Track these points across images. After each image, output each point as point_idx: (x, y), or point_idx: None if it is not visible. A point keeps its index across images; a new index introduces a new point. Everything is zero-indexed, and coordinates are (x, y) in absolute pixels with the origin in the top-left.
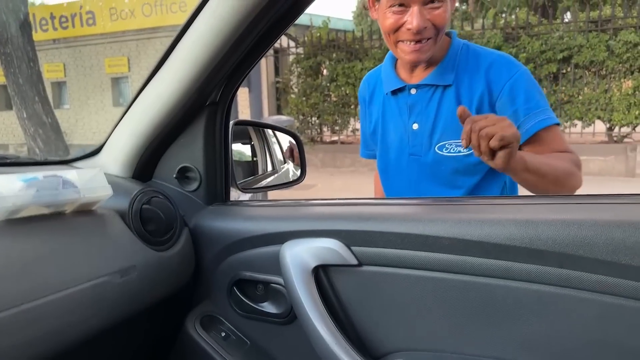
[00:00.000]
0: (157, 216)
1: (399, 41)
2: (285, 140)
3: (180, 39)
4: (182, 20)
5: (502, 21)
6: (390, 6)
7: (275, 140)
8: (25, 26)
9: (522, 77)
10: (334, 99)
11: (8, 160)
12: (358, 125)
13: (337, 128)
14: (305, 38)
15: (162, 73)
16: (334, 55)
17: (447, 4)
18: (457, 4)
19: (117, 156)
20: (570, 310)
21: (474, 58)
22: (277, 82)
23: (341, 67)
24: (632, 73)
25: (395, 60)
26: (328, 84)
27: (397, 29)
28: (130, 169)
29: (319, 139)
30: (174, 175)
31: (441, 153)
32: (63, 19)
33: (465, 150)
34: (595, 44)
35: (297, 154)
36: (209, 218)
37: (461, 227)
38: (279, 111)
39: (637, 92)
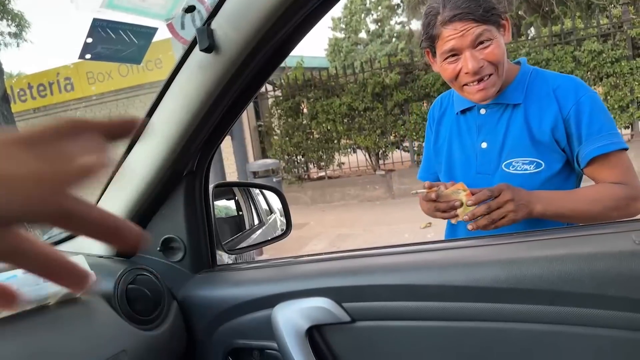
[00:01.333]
0: (144, 294)
1: (463, 85)
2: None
3: (151, 115)
4: (159, 77)
5: None
6: (445, 59)
7: (259, 192)
8: (3, 99)
9: (587, 100)
10: (317, 135)
11: None
12: (343, 159)
13: (322, 164)
14: (282, 80)
15: (136, 150)
16: (312, 93)
17: (498, 39)
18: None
19: None
20: (567, 346)
21: (542, 80)
22: (259, 125)
23: (320, 104)
24: (601, 80)
25: None
26: (309, 122)
27: (457, 76)
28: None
29: (306, 177)
30: (158, 248)
31: (508, 171)
32: (41, 88)
33: (532, 168)
34: (562, 56)
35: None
36: (197, 287)
37: (447, 273)
38: (263, 154)
39: (608, 97)
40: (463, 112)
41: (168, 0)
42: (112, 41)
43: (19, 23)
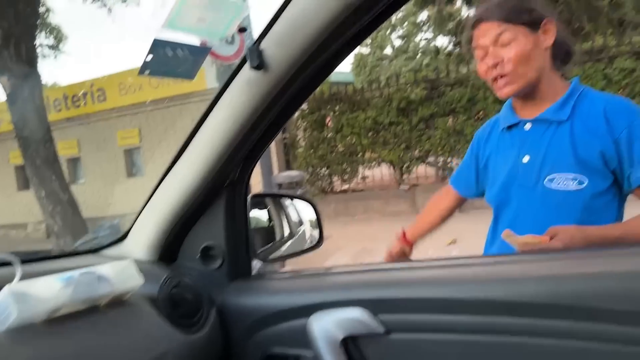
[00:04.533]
0: (186, 299)
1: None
2: (300, 203)
3: (199, 127)
4: (189, 89)
5: None
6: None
7: (290, 203)
8: (41, 109)
9: None
10: (341, 149)
11: (40, 256)
12: (367, 172)
13: (346, 177)
14: None
15: (182, 159)
16: (337, 107)
17: (521, 39)
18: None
19: (143, 241)
20: None
21: (592, 100)
22: (285, 138)
23: (345, 118)
24: (634, 98)
25: (512, 100)
26: (334, 136)
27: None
28: (156, 252)
29: (329, 190)
30: (198, 255)
31: (549, 187)
32: (75, 98)
33: (574, 184)
34: (592, 73)
35: (315, 219)
36: (234, 295)
37: (485, 288)
38: (288, 166)
39: None
40: (509, 128)
41: (224, 21)
42: (169, 59)
43: (57, 35)
